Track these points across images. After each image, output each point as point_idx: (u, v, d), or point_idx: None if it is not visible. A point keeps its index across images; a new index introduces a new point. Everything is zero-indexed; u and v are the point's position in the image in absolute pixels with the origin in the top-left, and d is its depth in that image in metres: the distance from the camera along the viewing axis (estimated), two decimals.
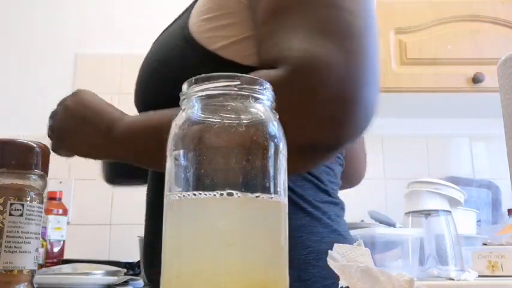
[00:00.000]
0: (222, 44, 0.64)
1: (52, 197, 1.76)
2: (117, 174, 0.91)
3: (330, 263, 0.37)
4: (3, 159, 0.35)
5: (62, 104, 0.71)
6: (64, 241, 1.75)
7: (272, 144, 0.36)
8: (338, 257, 0.38)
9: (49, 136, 0.71)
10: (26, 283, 0.36)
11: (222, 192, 0.34)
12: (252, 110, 0.36)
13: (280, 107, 0.39)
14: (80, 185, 1.91)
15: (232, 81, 0.36)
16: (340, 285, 0.37)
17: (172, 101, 0.64)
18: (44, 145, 0.38)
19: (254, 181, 0.35)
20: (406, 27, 1.81)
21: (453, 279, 1.34)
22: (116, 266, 1.52)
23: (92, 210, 1.91)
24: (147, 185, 0.80)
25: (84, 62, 2.08)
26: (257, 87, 0.36)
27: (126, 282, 1.42)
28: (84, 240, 1.86)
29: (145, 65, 0.75)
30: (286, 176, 0.37)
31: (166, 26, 0.82)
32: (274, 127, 0.36)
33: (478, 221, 1.81)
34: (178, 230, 0.35)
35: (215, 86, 0.36)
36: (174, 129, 0.36)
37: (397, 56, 1.79)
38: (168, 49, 0.70)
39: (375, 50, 0.54)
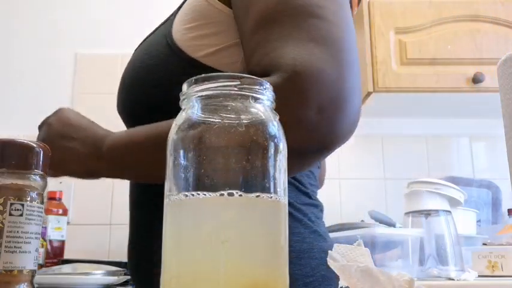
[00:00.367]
0: (206, 52, 0.66)
1: (52, 197, 1.76)
2: None
3: (330, 263, 0.37)
4: (3, 159, 0.35)
5: (45, 122, 0.71)
6: (64, 241, 1.75)
7: (272, 144, 0.36)
8: (338, 257, 0.38)
9: None
10: (26, 283, 0.36)
11: (222, 192, 0.34)
12: (252, 110, 0.36)
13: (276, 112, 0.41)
14: (80, 185, 1.91)
15: (232, 81, 0.36)
16: (340, 285, 0.37)
17: (156, 107, 0.65)
18: (44, 145, 0.38)
19: (254, 181, 0.35)
20: (406, 27, 1.81)
21: (453, 279, 1.34)
22: (116, 266, 1.52)
23: (92, 210, 1.91)
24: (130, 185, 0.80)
25: (84, 62, 2.08)
26: (257, 87, 0.36)
27: (126, 282, 1.42)
28: (84, 240, 1.86)
29: (129, 72, 0.75)
30: (287, 176, 0.37)
31: (148, 34, 0.83)
32: (274, 127, 0.36)
33: (478, 221, 1.81)
34: (178, 230, 0.35)
35: (215, 86, 0.36)
36: (174, 129, 0.37)
37: (397, 56, 1.79)
38: (152, 56, 0.70)
39: (358, 61, 0.58)
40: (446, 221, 1.47)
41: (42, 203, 0.37)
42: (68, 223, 1.81)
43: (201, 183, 0.35)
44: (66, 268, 1.47)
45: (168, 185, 0.36)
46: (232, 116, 0.35)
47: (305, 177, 0.76)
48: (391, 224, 1.61)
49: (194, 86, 0.36)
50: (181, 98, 0.37)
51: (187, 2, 0.74)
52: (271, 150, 0.36)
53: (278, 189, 0.36)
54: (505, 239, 1.58)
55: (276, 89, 0.39)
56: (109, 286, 1.38)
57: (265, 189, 0.35)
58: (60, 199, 1.78)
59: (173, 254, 0.35)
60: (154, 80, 0.68)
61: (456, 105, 1.92)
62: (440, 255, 1.44)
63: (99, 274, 1.38)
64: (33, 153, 0.36)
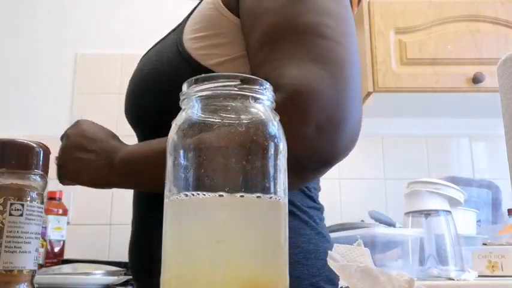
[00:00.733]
0: (217, 61, 0.67)
1: (52, 197, 1.76)
2: None
3: (330, 263, 0.37)
4: (3, 159, 0.35)
5: (64, 134, 0.75)
6: (64, 241, 1.75)
7: (272, 144, 0.36)
8: (338, 257, 0.38)
9: (56, 165, 0.72)
10: (26, 283, 0.36)
11: (222, 192, 0.34)
12: (252, 110, 0.36)
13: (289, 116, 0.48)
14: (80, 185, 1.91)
15: (232, 81, 0.36)
16: (340, 285, 0.37)
17: (165, 112, 0.65)
18: (44, 145, 0.38)
19: (254, 181, 0.35)
20: (406, 27, 1.81)
21: (453, 279, 1.34)
22: (116, 266, 1.52)
23: (92, 210, 1.91)
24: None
25: (84, 62, 2.08)
26: (257, 87, 0.36)
27: (126, 282, 1.42)
28: (84, 240, 1.86)
29: (138, 77, 0.75)
30: (286, 176, 0.37)
31: (158, 40, 0.83)
32: (274, 127, 0.36)
33: (478, 221, 1.81)
34: (178, 230, 0.35)
35: (215, 86, 0.36)
36: (174, 129, 0.37)
37: (397, 56, 1.79)
38: (163, 62, 0.71)
39: (359, 78, 0.59)
40: (446, 221, 1.47)
41: (42, 203, 0.37)
42: (68, 223, 1.81)
43: (201, 183, 0.35)
44: (66, 268, 1.47)
45: (168, 185, 0.36)
46: (232, 116, 0.35)
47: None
48: (391, 224, 1.61)
49: (194, 86, 0.36)
50: (181, 98, 0.37)
51: (197, 9, 0.75)
52: (271, 150, 0.36)
53: (278, 190, 0.36)
54: (505, 239, 1.58)
55: (276, 109, 0.41)
56: (109, 286, 1.38)
57: (265, 190, 0.35)
58: (60, 199, 1.78)
59: (173, 254, 0.35)
60: (165, 85, 0.68)
61: (456, 105, 1.92)
62: (440, 255, 1.44)
63: (99, 274, 1.38)
64: (33, 153, 0.36)
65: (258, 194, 0.34)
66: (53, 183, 2.05)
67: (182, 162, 0.35)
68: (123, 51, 2.03)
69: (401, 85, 1.76)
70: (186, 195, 0.34)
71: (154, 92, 0.70)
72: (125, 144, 0.70)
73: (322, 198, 0.82)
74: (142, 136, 0.76)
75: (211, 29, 0.68)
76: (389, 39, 1.80)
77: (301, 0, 0.59)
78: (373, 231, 1.47)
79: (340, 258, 0.38)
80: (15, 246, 0.35)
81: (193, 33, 0.70)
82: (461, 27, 1.83)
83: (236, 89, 0.35)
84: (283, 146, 0.37)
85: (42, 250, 1.65)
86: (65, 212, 1.77)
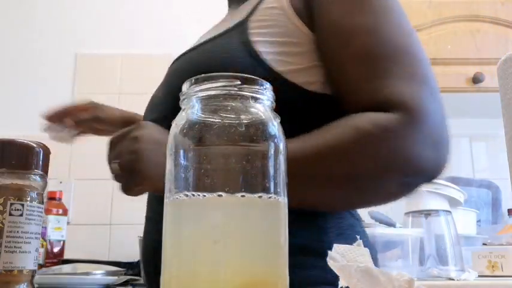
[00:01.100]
0: (290, 68, 0.68)
1: (52, 197, 1.76)
2: None
3: (330, 263, 0.37)
4: (3, 159, 0.35)
5: (126, 137, 0.61)
6: (64, 241, 1.75)
7: (272, 144, 0.36)
8: (338, 257, 0.38)
9: (117, 178, 0.61)
10: (26, 283, 0.36)
11: (222, 192, 0.34)
12: (252, 110, 0.36)
13: (401, 146, 0.56)
14: (80, 185, 1.91)
15: (232, 81, 0.36)
16: (340, 285, 0.37)
17: None
18: (44, 145, 0.38)
19: (254, 181, 0.35)
20: None
21: (453, 279, 1.34)
22: (116, 266, 1.52)
23: (92, 210, 1.91)
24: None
25: (84, 62, 2.08)
26: (257, 87, 0.36)
27: (126, 282, 1.43)
28: (84, 240, 1.86)
29: (204, 70, 0.71)
30: (286, 175, 0.37)
31: (207, 37, 0.77)
32: (274, 127, 0.36)
33: (478, 221, 1.81)
34: (178, 230, 0.35)
35: (215, 86, 0.36)
36: (174, 129, 0.37)
37: None
38: (233, 60, 0.68)
39: None
40: (446, 221, 1.47)
41: (42, 203, 0.37)
42: (68, 223, 1.81)
43: (201, 183, 0.35)
44: (66, 268, 1.47)
45: (168, 185, 0.36)
46: (232, 116, 0.35)
47: None
48: (391, 224, 1.61)
49: (194, 86, 0.36)
50: (181, 98, 0.37)
51: (261, 8, 0.72)
52: (271, 151, 0.36)
53: (278, 190, 0.36)
54: (505, 239, 1.58)
55: (395, 127, 0.53)
56: (109, 286, 1.38)
57: (265, 190, 0.35)
58: (60, 199, 1.78)
59: (173, 254, 0.35)
60: None
61: (456, 105, 1.92)
62: (440, 255, 1.44)
63: (99, 274, 1.38)
64: (33, 153, 0.36)
65: (258, 194, 0.34)
66: (53, 183, 2.05)
67: (182, 162, 0.35)
68: (123, 51, 2.03)
69: None
70: (186, 195, 0.34)
71: None
72: None
73: None
74: None
75: (286, 36, 0.69)
76: None
77: (390, 20, 0.64)
78: (373, 231, 1.47)
79: (340, 258, 0.38)
80: (15, 246, 0.35)
81: (262, 37, 0.69)
82: (461, 27, 1.83)
83: (236, 89, 0.35)
84: (283, 146, 0.37)
85: (42, 250, 1.65)
86: (65, 212, 1.77)
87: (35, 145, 0.37)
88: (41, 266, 1.61)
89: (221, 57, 0.69)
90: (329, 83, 0.67)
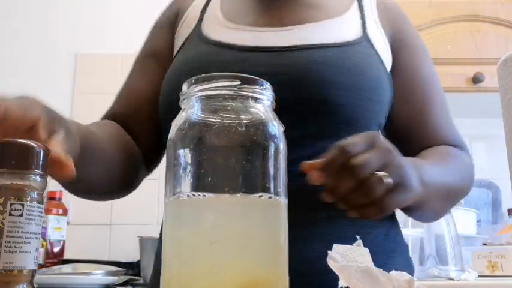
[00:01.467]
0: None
1: (52, 197, 1.76)
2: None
3: (330, 263, 0.37)
4: (3, 159, 0.35)
5: (380, 147, 0.55)
6: (64, 241, 1.75)
7: (272, 144, 0.36)
8: (338, 258, 0.38)
9: (382, 192, 0.53)
10: (26, 283, 0.36)
11: (222, 192, 0.34)
12: (252, 110, 0.36)
13: (470, 178, 0.76)
14: None
15: (232, 81, 0.36)
16: (340, 286, 0.37)
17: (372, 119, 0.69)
18: (44, 145, 0.38)
19: (254, 181, 0.35)
20: None
21: (453, 279, 1.34)
22: (116, 266, 1.52)
23: (92, 210, 1.90)
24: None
25: (84, 62, 2.08)
26: (257, 87, 0.36)
27: (126, 282, 1.43)
28: (84, 240, 1.86)
29: (344, 69, 0.69)
30: (286, 176, 0.37)
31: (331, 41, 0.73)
32: (274, 127, 0.36)
33: (478, 221, 1.81)
34: (178, 230, 0.35)
35: (215, 86, 0.36)
36: (174, 129, 0.36)
37: None
38: (379, 72, 0.72)
39: None
40: (446, 221, 1.47)
41: (42, 203, 0.37)
42: (68, 223, 1.81)
43: (201, 183, 0.35)
44: (66, 268, 1.47)
45: (168, 185, 0.36)
46: (232, 116, 0.35)
47: None
48: None
49: (194, 86, 0.36)
50: (181, 98, 0.37)
51: (372, 29, 0.76)
52: (271, 150, 0.36)
53: (278, 190, 0.36)
54: (505, 239, 1.58)
55: (472, 162, 0.78)
56: (109, 286, 1.38)
57: (265, 190, 0.35)
58: (60, 199, 1.78)
59: (173, 254, 0.35)
60: (373, 91, 0.70)
61: (456, 105, 1.91)
62: (440, 255, 1.44)
63: (99, 274, 1.38)
64: (33, 153, 0.36)
65: (258, 194, 0.34)
66: (53, 183, 2.05)
67: (182, 162, 0.35)
68: (123, 51, 2.03)
69: None
70: (186, 195, 0.34)
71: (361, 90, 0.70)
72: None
73: None
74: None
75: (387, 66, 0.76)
76: None
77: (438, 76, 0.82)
78: None
79: (340, 258, 0.38)
80: (15, 246, 0.35)
81: (382, 50, 0.75)
82: (461, 27, 1.83)
83: (236, 89, 0.35)
84: (283, 146, 0.37)
85: (42, 250, 1.65)
86: (65, 212, 1.77)
87: (35, 145, 0.37)
88: (41, 266, 1.61)
89: (375, 66, 0.72)
90: (396, 113, 0.76)
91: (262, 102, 0.37)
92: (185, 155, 0.35)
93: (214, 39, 0.74)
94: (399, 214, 0.71)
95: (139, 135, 0.77)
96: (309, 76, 0.67)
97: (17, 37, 2.12)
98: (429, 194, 0.62)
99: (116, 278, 1.38)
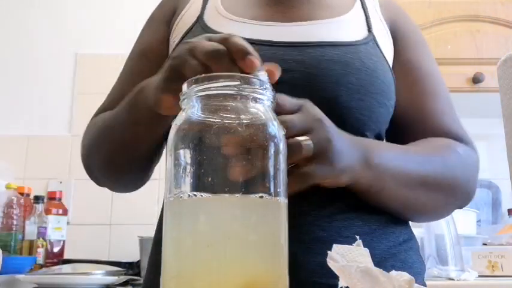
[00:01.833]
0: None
1: (52, 197, 1.76)
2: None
3: (330, 263, 0.37)
4: None
5: (316, 119, 0.53)
6: (64, 241, 1.75)
7: (272, 144, 0.36)
8: (338, 258, 0.38)
9: (298, 158, 0.51)
10: None
11: (222, 192, 0.34)
12: (252, 110, 0.36)
13: (475, 176, 0.71)
14: (80, 185, 1.91)
15: (232, 81, 0.36)
16: (340, 286, 0.37)
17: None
18: None
19: (254, 181, 0.35)
20: None
21: (453, 279, 1.34)
22: (116, 266, 1.52)
23: (92, 210, 1.91)
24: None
25: (84, 62, 2.08)
26: (257, 87, 0.36)
27: (126, 282, 1.43)
28: (84, 240, 1.86)
29: (353, 67, 0.67)
30: (286, 176, 0.37)
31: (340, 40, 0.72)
32: (274, 127, 0.36)
33: (478, 221, 1.81)
34: (178, 230, 0.35)
35: (215, 86, 0.36)
36: (174, 129, 0.36)
37: None
38: (383, 70, 0.71)
39: None
40: (446, 221, 1.47)
41: None
42: (68, 223, 1.81)
43: (201, 183, 0.35)
44: (66, 268, 1.47)
45: (168, 185, 0.36)
46: (232, 116, 0.35)
47: None
48: None
49: (194, 86, 0.36)
50: (182, 98, 0.37)
51: (377, 30, 0.75)
52: (271, 151, 0.36)
53: (278, 190, 0.36)
54: (505, 239, 1.58)
55: (474, 158, 0.72)
56: (109, 286, 1.38)
57: (265, 190, 0.35)
58: (60, 199, 1.78)
59: (173, 254, 0.35)
60: (386, 94, 0.70)
61: (456, 105, 1.91)
62: (440, 255, 1.44)
63: (99, 274, 1.38)
64: None
65: (258, 194, 0.34)
66: (53, 183, 2.05)
67: (182, 162, 0.35)
68: (123, 51, 2.02)
69: None
70: (186, 195, 0.34)
71: (381, 97, 0.69)
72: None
73: None
74: None
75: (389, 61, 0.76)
76: None
77: (439, 70, 0.81)
78: None
79: (340, 258, 0.38)
80: None
81: (387, 51, 0.74)
82: (461, 27, 1.83)
83: (236, 89, 0.35)
84: (283, 146, 0.37)
85: (42, 250, 1.65)
86: (65, 212, 1.77)
87: None
88: (41, 266, 1.61)
89: (381, 68, 0.71)
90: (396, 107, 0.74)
91: (262, 102, 0.37)
92: (185, 155, 0.35)
93: (220, 31, 0.71)
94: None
95: None
96: (321, 74, 0.65)
97: (17, 37, 2.12)
98: (381, 178, 0.59)
99: (115, 278, 1.38)
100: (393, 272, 0.38)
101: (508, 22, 1.83)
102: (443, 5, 1.84)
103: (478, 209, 1.83)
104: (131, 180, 0.78)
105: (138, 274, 1.56)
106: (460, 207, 0.74)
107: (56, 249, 1.72)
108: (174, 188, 0.35)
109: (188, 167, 0.35)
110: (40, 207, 1.70)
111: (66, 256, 1.72)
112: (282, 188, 0.36)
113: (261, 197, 0.35)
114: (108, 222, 1.91)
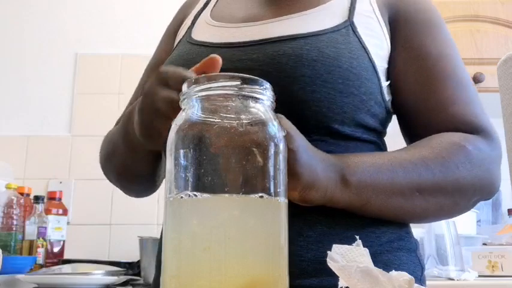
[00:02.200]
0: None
1: (52, 197, 1.76)
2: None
3: (330, 263, 0.37)
4: None
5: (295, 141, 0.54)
6: (64, 241, 1.75)
7: (272, 144, 0.36)
8: (338, 258, 0.38)
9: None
10: None
11: (222, 192, 0.34)
12: (252, 110, 0.36)
13: (491, 169, 0.65)
14: (80, 185, 1.91)
15: (232, 82, 0.36)
16: (340, 286, 0.37)
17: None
18: None
19: (254, 181, 0.35)
20: None
21: (453, 279, 1.34)
22: (116, 266, 1.52)
23: (92, 210, 1.91)
24: None
25: (84, 62, 2.08)
26: (257, 87, 0.36)
27: (126, 282, 1.43)
28: (84, 240, 1.86)
29: (318, 61, 0.65)
30: (286, 176, 0.37)
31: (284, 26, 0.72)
32: (274, 127, 0.36)
33: (478, 221, 1.81)
34: (178, 230, 0.35)
35: (215, 86, 0.36)
36: (174, 129, 0.36)
37: None
38: (353, 61, 0.66)
39: None
40: (446, 221, 1.47)
41: None
42: (68, 223, 1.81)
43: (201, 183, 0.35)
44: (66, 268, 1.47)
45: (168, 185, 0.36)
46: (232, 116, 0.35)
47: None
48: None
49: (194, 86, 0.36)
50: (181, 98, 0.37)
51: (361, 16, 0.71)
52: (271, 151, 0.36)
53: (278, 190, 0.36)
54: (505, 239, 1.58)
55: (487, 150, 0.64)
56: (109, 286, 1.38)
57: (265, 190, 0.35)
58: (60, 199, 1.78)
59: (173, 254, 0.35)
60: (361, 89, 0.66)
61: None
62: (440, 255, 1.44)
63: (99, 274, 1.38)
64: None
65: (258, 194, 0.34)
66: (53, 183, 2.05)
67: (182, 162, 0.35)
68: (123, 51, 2.03)
69: None
70: (186, 195, 0.34)
71: (357, 91, 0.65)
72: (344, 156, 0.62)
73: None
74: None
75: (381, 50, 0.71)
76: None
77: (458, 53, 0.74)
78: None
79: (340, 258, 0.38)
80: None
81: (370, 46, 0.69)
82: (461, 27, 1.83)
83: (236, 89, 0.35)
84: (283, 146, 0.37)
85: (42, 250, 1.65)
86: (65, 212, 1.77)
87: None
88: (41, 266, 1.61)
89: (348, 55, 0.66)
90: (403, 99, 0.71)
91: (262, 102, 0.37)
92: (185, 155, 0.35)
93: (197, 39, 0.74)
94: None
95: None
96: (275, 71, 0.64)
97: (17, 37, 2.12)
98: (362, 193, 0.58)
99: (115, 278, 1.38)
100: (393, 272, 0.38)
101: (508, 22, 1.83)
102: (443, 5, 1.84)
103: (478, 209, 1.83)
104: (141, 190, 0.81)
105: (138, 274, 1.56)
106: (485, 200, 0.70)
107: (56, 249, 1.72)
108: (174, 188, 0.35)
109: (188, 167, 0.35)
110: (40, 207, 1.70)
111: (66, 256, 1.72)
112: (282, 188, 0.36)
113: (261, 197, 0.35)
114: (108, 222, 1.91)
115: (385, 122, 0.73)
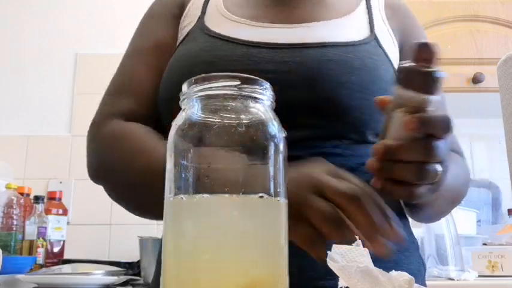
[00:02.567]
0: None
1: (52, 197, 1.76)
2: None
3: (330, 263, 0.37)
4: None
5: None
6: (64, 241, 1.75)
7: (272, 144, 0.36)
8: (338, 258, 0.38)
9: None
10: None
11: (222, 192, 0.34)
12: (252, 110, 0.36)
13: (467, 184, 0.74)
14: (80, 185, 1.91)
15: (232, 81, 0.36)
16: (340, 286, 0.37)
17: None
18: None
19: (254, 181, 0.35)
20: None
21: (453, 279, 1.34)
22: (116, 266, 1.52)
23: (92, 210, 1.91)
24: None
25: (84, 62, 2.08)
26: (257, 87, 0.36)
27: (126, 282, 1.43)
28: (84, 240, 1.86)
29: (353, 68, 0.67)
30: (286, 176, 0.37)
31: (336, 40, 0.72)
32: (274, 127, 0.36)
33: (478, 221, 1.81)
34: (178, 230, 0.35)
35: (215, 86, 0.36)
36: (174, 129, 0.36)
37: None
38: (387, 73, 0.69)
39: None
40: (446, 221, 1.47)
41: None
42: (68, 223, 1.81)
43: (201, 183, 0.35)
44: (66, 268, 1.47)
45: (168, 185, 0.36)
46: (232, 116, 0.35)
47: None
48: None
49: (194, 86, 0.36)
50: (181, 98, 0.37)
51: (381, 31, 0.75)
52: (271, 151, 0.36)
53: (278, 190, 0.36)
54: (505, 239, 1.58)
55: (467, 167, 0.74)
56: (109, 286, 1.38)
57: (265, 190, 0.35)
58: (60, 199, 1.78)
59: (173, 254, 0.35)
60: (383, 86, 0.67)
61: (456, 105, 1.91)
62: (440, 255, 1.44)
63: (99, 274, 1.38)
64: None
65: (258, 194, 0.34)
66: (53, 183, 2.05)
67: (182, 162, 0.35)
68: (123, 51, 2.03)
69: None
70: (187, 195, 0.34)
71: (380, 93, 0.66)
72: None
73: None
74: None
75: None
76: None
77: None
78: None
79: (340, 258, 0.38)
80: None
81: (390, 52, 0.73)
82: (461, 27, 1.83)
83: (236, 89, 0.35)
84: (283, 146, 0.37)
85: (42, 250, 1.65)
86: (65, 212, 1.77)
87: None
88: (41, 266, 1.61)
89: (382, 67, 0.69)
90: None
91: (262, 102, 0.37)
92: (185, 155, 0.35)
93: (219, 32, 0.71)
94: None
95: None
96: (321, 75, 0.65)
97: (17, 37, 2.12)
98: (438, 193, 0.60)
99: (115, 278, 1.38)
100: (393, 272, 0.38)
101: (508, 22, 1.83)
102: (443, 5, 1.84)
103: (478, 209, 1.83)
104: (147, 217, 0.77)
105: (138, 274, 1.56)
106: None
107: (56, 249, 1.72)
108: (174, 188, 0.35)
109: (188, 167, 0.35)
110: (40, 207, 1.70)
111: (66, 256, 1.73)
112: (282, 188, 0.36)
113: (261, 197, 0.35)
114: (108, 222, 1.91)
115: None
